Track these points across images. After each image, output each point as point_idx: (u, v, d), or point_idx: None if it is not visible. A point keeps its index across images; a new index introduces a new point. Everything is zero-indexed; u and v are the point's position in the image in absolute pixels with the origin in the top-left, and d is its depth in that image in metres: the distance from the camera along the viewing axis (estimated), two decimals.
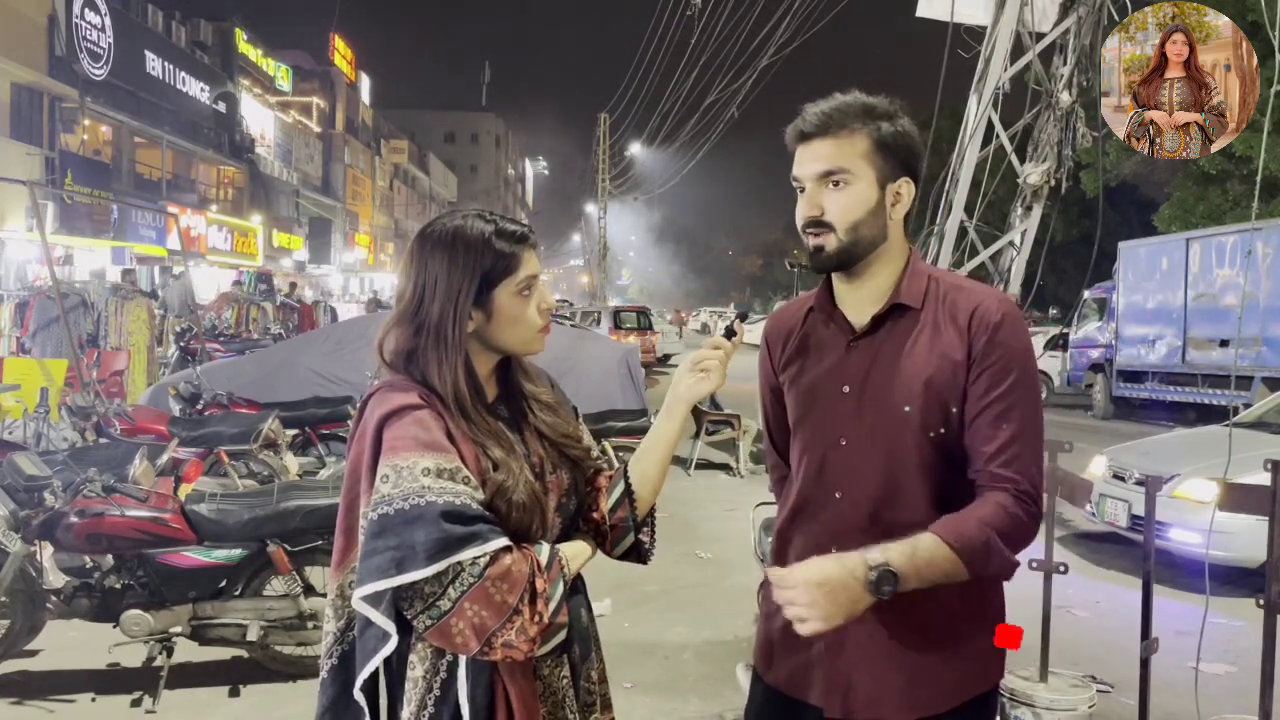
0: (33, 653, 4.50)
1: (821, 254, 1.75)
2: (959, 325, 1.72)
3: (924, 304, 1.76)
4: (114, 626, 4.25)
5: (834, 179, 1.72)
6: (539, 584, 1.56)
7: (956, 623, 1.73)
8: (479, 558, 1.51)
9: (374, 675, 1.64)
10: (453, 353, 1.65)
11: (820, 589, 1.52)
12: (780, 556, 1.88)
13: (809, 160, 1.74)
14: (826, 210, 1.73)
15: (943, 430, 1.72)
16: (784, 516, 1.88)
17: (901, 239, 1.80)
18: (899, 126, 1.74)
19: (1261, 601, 3.21)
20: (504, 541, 1.54)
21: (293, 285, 28.10)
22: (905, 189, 1.76)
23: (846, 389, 1.77)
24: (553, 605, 1.57)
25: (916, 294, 1.76)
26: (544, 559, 1.59)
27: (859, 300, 1.80)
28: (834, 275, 1.82)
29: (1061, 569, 3.54)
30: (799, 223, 1.78)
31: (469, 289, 1.65)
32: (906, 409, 1.71)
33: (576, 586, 1.74)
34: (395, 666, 1.65)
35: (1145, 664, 3.32)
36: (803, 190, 1.76)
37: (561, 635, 1.61)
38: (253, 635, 4.33)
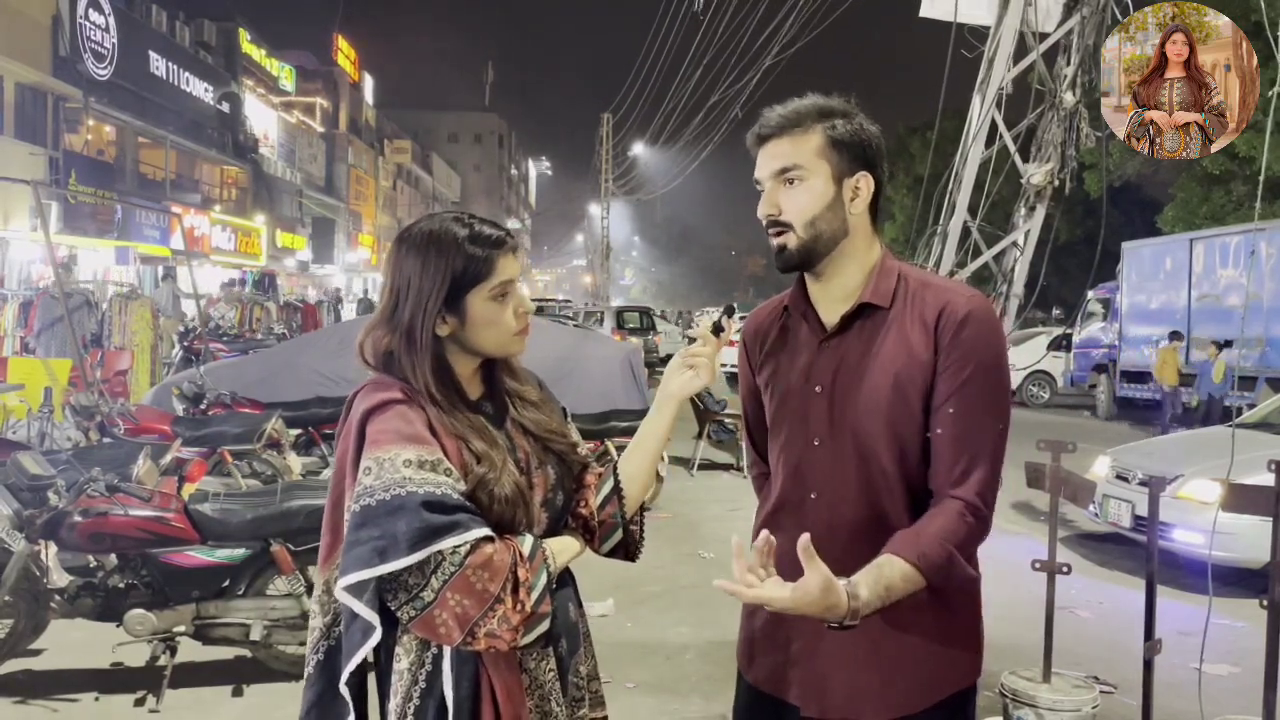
0: (36, 652, 4.51)
1: (784, 253, 1.77)
2: (926, 324, 1.73)
3: (893, 303, 1.76)
4: (117, 626, 4.26)
5: (789, 176, 1.75)
6: (521, 573, 1.58)
7: (932, 623, 1.74)
8: (459, 546, 1.53)
9: (362, 668, 1.66)
10: (421, 356, 1.67)
11: (829, 594, 1.53)
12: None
13: (766, 160, 1.78)
14: (784, 209, 1.76)
15: (913, 429, 1.72)
16: (764, 516, 1.89)
17: (868, 235, 1.80)
18: (854, 124, 1.76)
19: (1265, 602, 3.21)
20: (484, 530, 1.56)
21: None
22: (864, 183, 1.77)
23: (818, 389, 1.78)
24: (535, 595, 1.58)
25: (885, 293, 1.77)
26: (527, 549, 1.61)
27: (829, 299, 1.81)
28: (806, 274, 1.83)
29: (1064, 569, 3.54)
30: (763, 223, 1.80)
31: (438, 293, 1.66)
32: (876, 410, 1.72)
33: (565, 580, 1.76)
34: (382, 659, 1.68)
35: (1148, 665, 3.32)
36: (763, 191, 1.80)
37: (545, 625, 1.62)
38: (256, 635, 4.33)
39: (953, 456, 1.68)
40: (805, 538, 1.52)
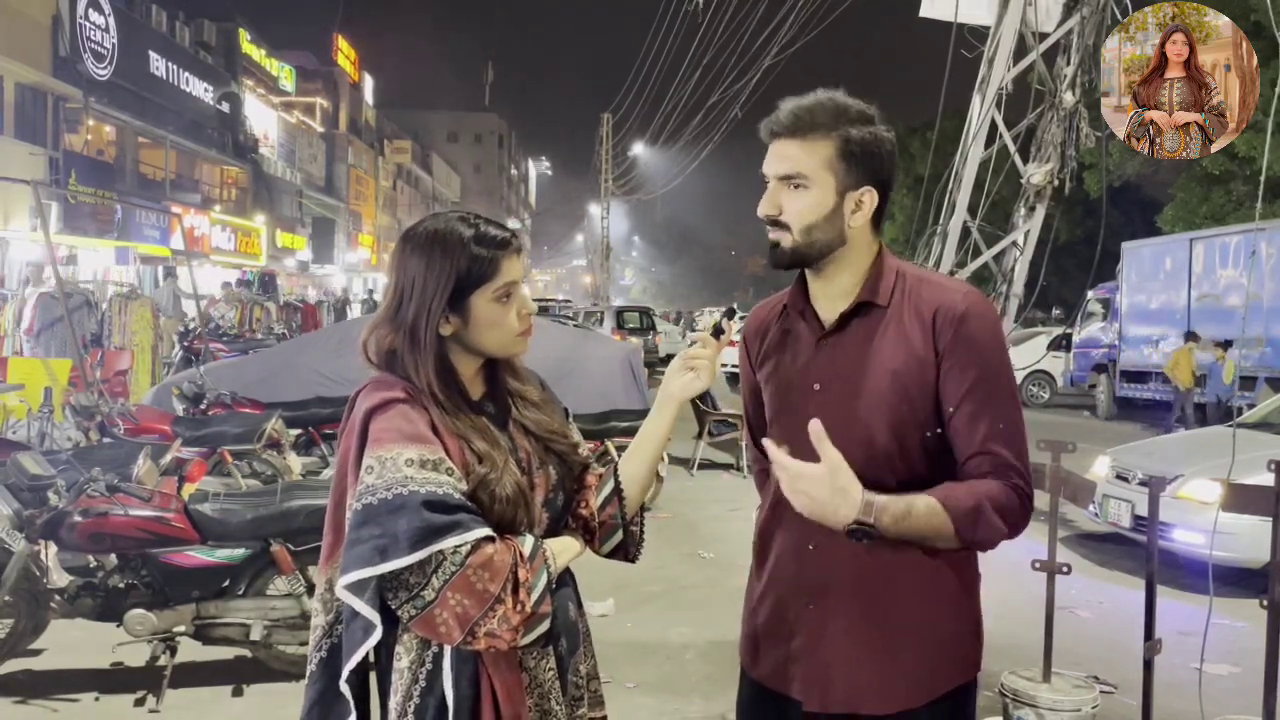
0: (36, 652, 4.51)
1: (778, 250, 1.78)
2: (924, 321, 1.74)
3: (891, 301, 1.77)
4: (117, 626, 4.26)
5: (793, 182, 1.75)
6: (522, 574, 1.58)
7: (933, 618, 1.75)
8: (460, 546, 1.54)
9: (364, 668, 1.66)
10: (425, 355, 1.68)
11: (838, 475, 1.60)
12: (761, 553, 1.91)
13: (774, 159, 1.78)
14: (784, 210, 1.76)
15: (914, 427, 1.73)
16: (765, 513, 1.90)
17: (867, 242, 1.81)
18: (869, 134, 1.74)
19: (1265, 602, 3.21)
20: (485, 531, 1.57)
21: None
22: (867, 198, 1.76)
23: (818, 386, 1.79)
24: (535, 595, 1.59)
25: (885, 291, 1.78)
26: (527, 550, 1.62)
27: (828, 297, 1.82)
28: (806, 271, 1.84)
29: (1064, 569, 3.54)
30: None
31: (442, 293, 1.67)
32: (876, 406, 1.73)
33: (565, 580, 1.76)
34: (383, 657, 1.68)
35: (1149, 665, 3.32)
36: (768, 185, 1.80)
37: (545, 625, 1.62)
38: (256, 635, 4.33)
39: (981, 451, 1.70)
40: (816, 424, 1.60)
